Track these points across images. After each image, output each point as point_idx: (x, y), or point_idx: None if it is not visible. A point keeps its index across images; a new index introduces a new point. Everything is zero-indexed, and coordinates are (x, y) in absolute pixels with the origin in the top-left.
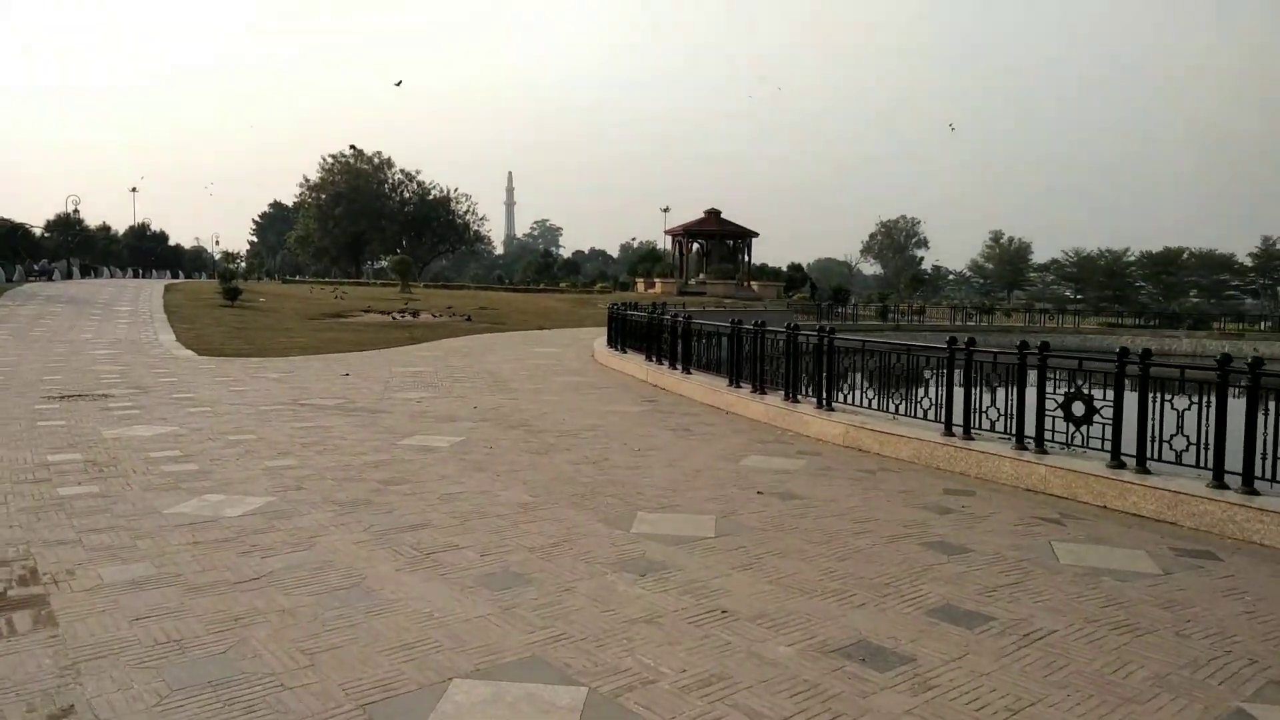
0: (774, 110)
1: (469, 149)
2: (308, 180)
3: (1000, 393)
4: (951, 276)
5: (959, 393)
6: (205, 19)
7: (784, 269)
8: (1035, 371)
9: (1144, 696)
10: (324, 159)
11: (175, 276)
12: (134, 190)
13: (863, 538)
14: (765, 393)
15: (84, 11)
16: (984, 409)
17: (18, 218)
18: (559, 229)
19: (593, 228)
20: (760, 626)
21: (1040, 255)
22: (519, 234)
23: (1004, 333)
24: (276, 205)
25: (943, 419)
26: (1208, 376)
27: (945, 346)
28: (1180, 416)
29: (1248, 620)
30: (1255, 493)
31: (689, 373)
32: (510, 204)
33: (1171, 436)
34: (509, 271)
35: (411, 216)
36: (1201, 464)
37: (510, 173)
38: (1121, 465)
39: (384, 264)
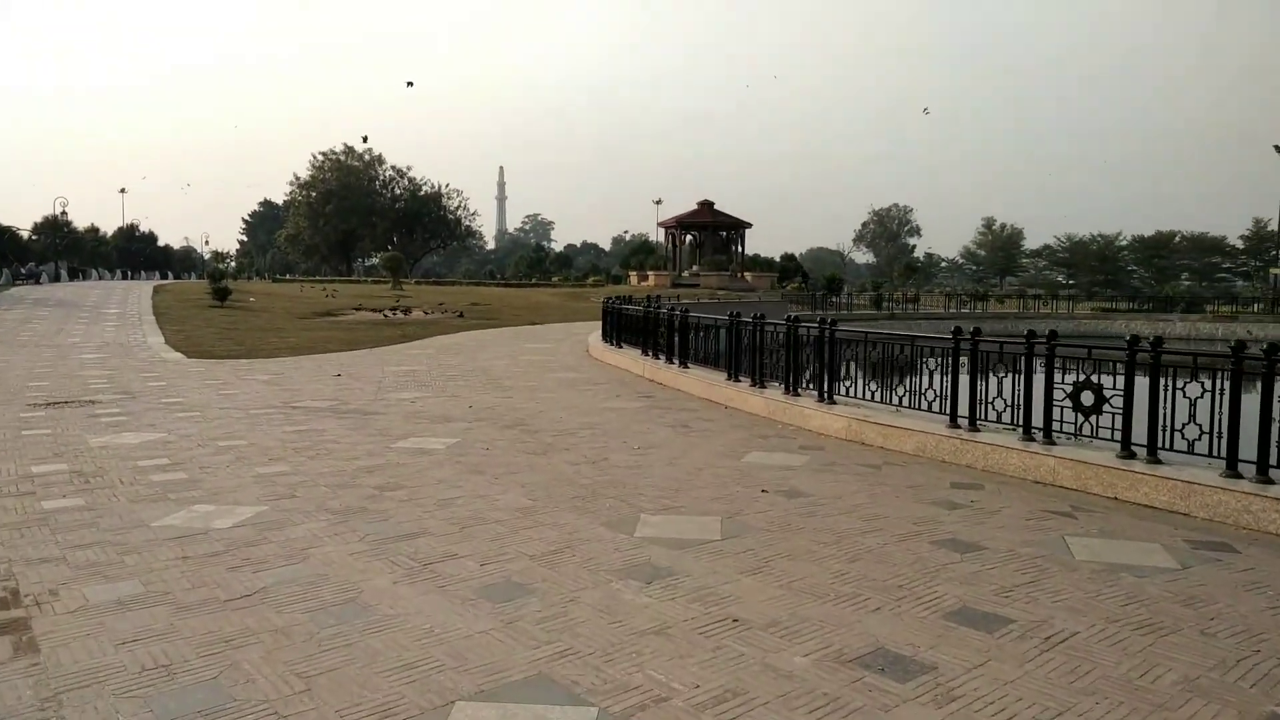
0: (766, 102)
1: (460, 144)
2: (298, 178)
3: (1006, 383)
4: (944, 264)
5: (964, 383)
6: (201, 19)
7: (777, 259)
8: (1041, 360)
9: (1175, 703)
10: (314, 156)
11: (164, 277)
12: (123, 191)
13: (872, 536)
14: (765, 386)
15: (81, 11)
16: (990, 400)
17: (4, 221)
18: (551, 223)
19: (584, 221)
20: (774, 635)
21: (1033, 241)
22: (510, 229)
23: (998, 319)
24: (267, 204)
25: (948, 411)
26: (1221, 364)
27: (950, 337)
28: (1193, 405)
29: (1273, 616)
30: (1270, 482)
31: (686, 367)
32: (501, 199)
33: (1184, 425)
34: (500, 267)
35: (403, 213)
36: (1215, 453)
37: (501, 167)
38: (1132, 455)
39: (375, 261)
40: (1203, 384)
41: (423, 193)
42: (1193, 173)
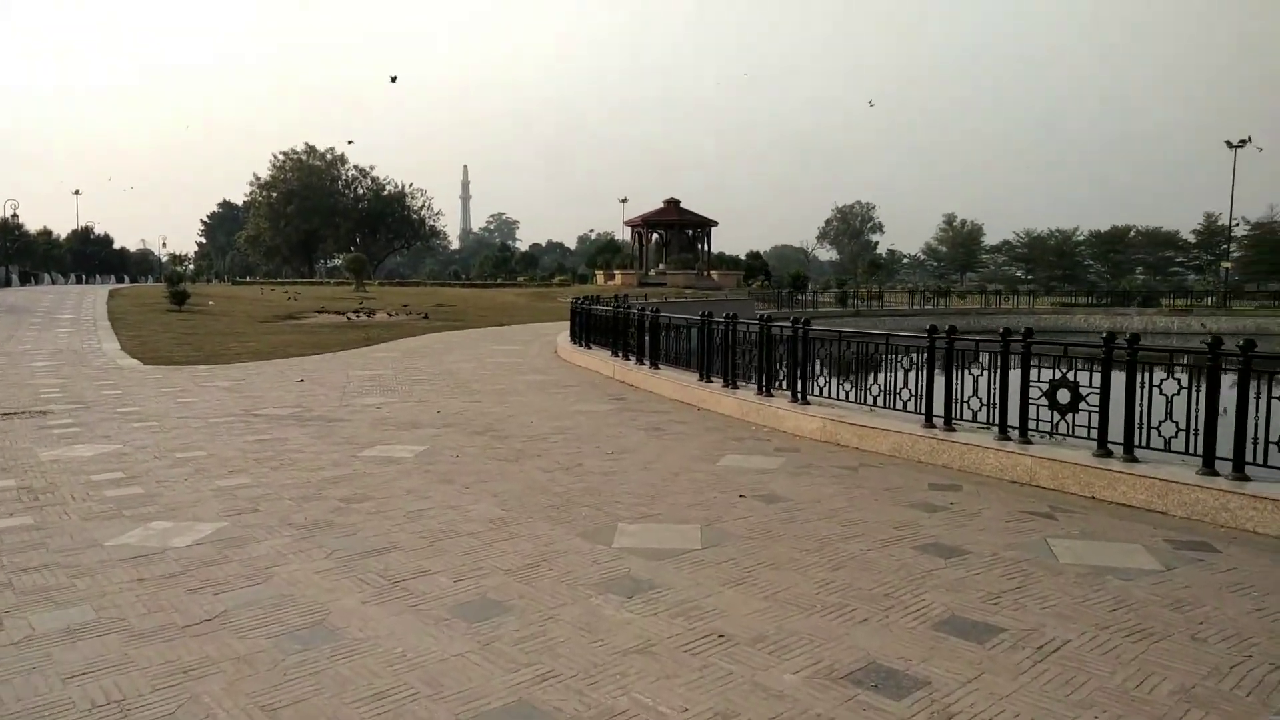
0: (733, 99)
1: (424, 143)
2: (258, 178)
3: (981, 381)
4: (906, 260)
5: (939, 383)
6: (163, 21)
7: (743, 257)
8: (1016, 358)
9: (1173, 714)
10: (275, 156)
11: (121, 281)
12: (77, 193)
13: (854, 542)
14: (738, 387)
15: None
16: (965, 399)
17: None
18: (516, 222)
19: (550, 220)
20: (761, 652)
21: (992, 237)
22: (475, 228)
23: (961, 315)
24: (226, 205)
25: (923, 410)
26: (1197, 361)
27: (924, 335)
28: (1169, 402)
29: (1259, 619)
30: (1246, 479)
31: (657, 368)
32: (466, 198)
33: (1160, 423)
34: (465, 266)
35: (366, 213)
36: (1191, 451)
37: (465, 166)
38: (1108, 454)
39: (338, 262)
40: (1179, 381)
41: (386, 192)
42: (1148, 168)
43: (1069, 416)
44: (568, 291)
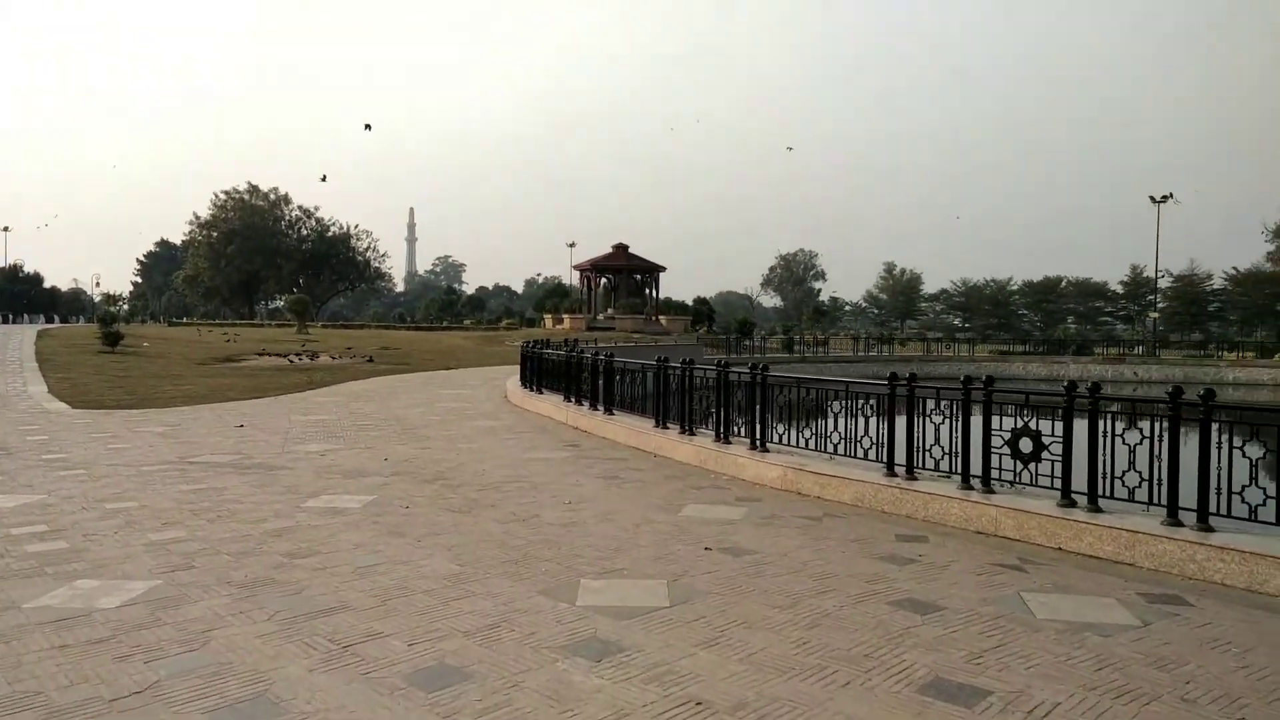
0: (681, 146)
1: (369, 185)
2: (198, 217)
3: (942, 429)
4: (848, 307)
5: (901, 431)
6: (94, 59)
7: (690, 303)
8: (978, 406)
9: None
10: (216, 195)
11: (51, 321)
12: (5, 229)
13: (827, 598)
14: (694, 433)
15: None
16: (927, 447)
17: None
18: (462, 265)
19: (497, 263)
20: None
21: (930, 285)
22: (421, 270)
23: (904, 362)
24: (164, 244)
25: (884, 459)
26: (1159, 411)
27: (884, 382)
28: (1132, 452)
29: (1245, 677)
30: (1210, 529)
31: (612, 413)
32: (411, 240)
33: (1123, 473)
34: (410, 309)
35: (309, 254)
36: (1155, 500)
37: (411, 208)
38: (1072, 504)
39: (280, 304)
40: (1141, 431)
41: (330, 233)
42: (1076, 221)
43: (1032, 466)
44: (515, 335)
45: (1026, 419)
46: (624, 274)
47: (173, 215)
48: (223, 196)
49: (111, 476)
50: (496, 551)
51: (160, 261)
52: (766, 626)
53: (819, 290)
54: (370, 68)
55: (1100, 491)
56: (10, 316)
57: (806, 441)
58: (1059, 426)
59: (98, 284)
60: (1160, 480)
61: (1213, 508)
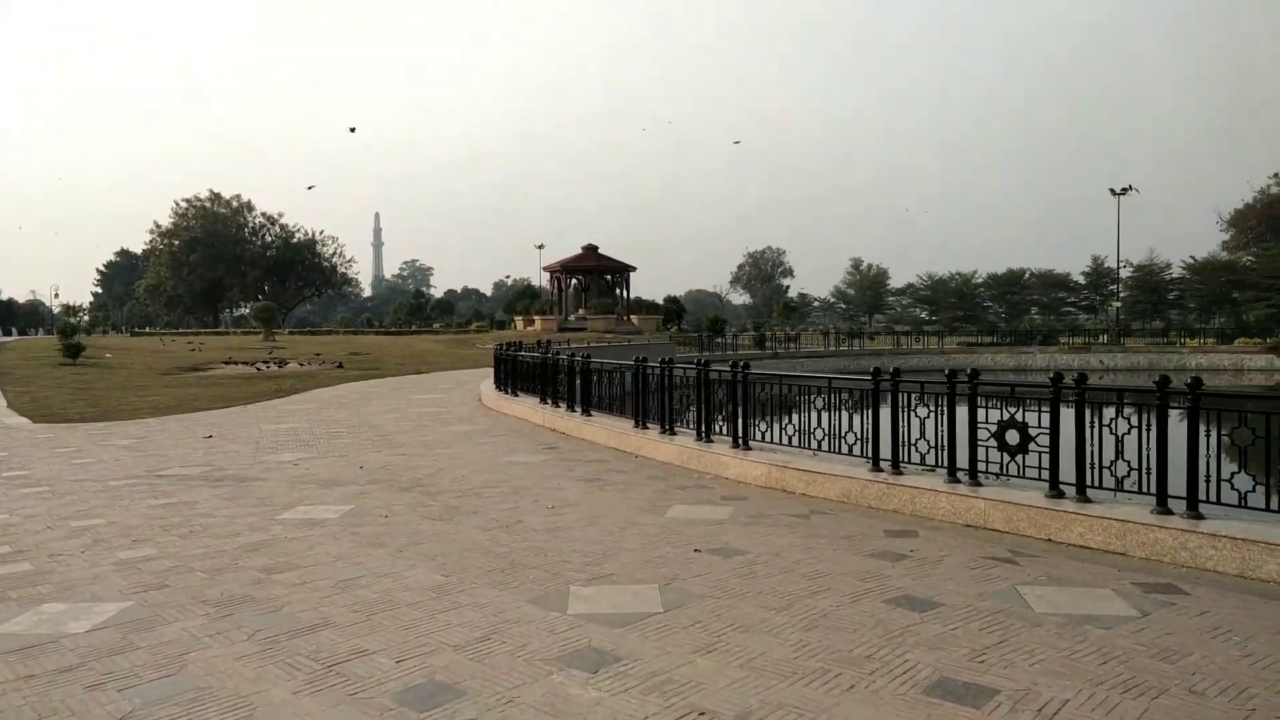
0: (650, 145)
1: (334, 190)
2: (159, 226)
3: (927, 423)
4: (817, 303)
5: (885, 425)
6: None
7: (661, 302)
8: (963, 399)
9: None
10: (177, 203)
11: (8, 334)
12: None
13: (822, 598)
14: (675, 433)
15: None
16: (913, 441)
17: None
18: (429, 269)
19: (465, 267)
20: None
21: (897, 280)
22: (388, 275)
23: (875, 356)
24: (124, 254)
25: (869, 454)
26: (1146, 400)
27: (867, 377)
28: (1120, 441)
29: (1249, 667)
30: (1200, 516)
31: (589, 414)
32: (378, 245)
33: (1111, 463)
34: (378, 314)
35: (274, 261)
36: (1144, 489)
37: (377, 213)
38: (1061, 495)
39: (245, 312)
40: (1128, 420)
41: (295, 240)
42: (1039, 214)
43: (1019, 457)
44: (486, 338)
45: (1012, 411)
46: (594, 275)
47: (138, 223)
48: (184, 204)
49: (77, 493)
50: (481, 560)
51: (121, 271)
52: (764, 629)
53: (787, 287)
54: (330, 69)
55: (1089, 482)
56: None
57: (790, 438)
58: (1045, 418)
59: (56, 295)
60: (1149, 469)
61: (1203, 496)
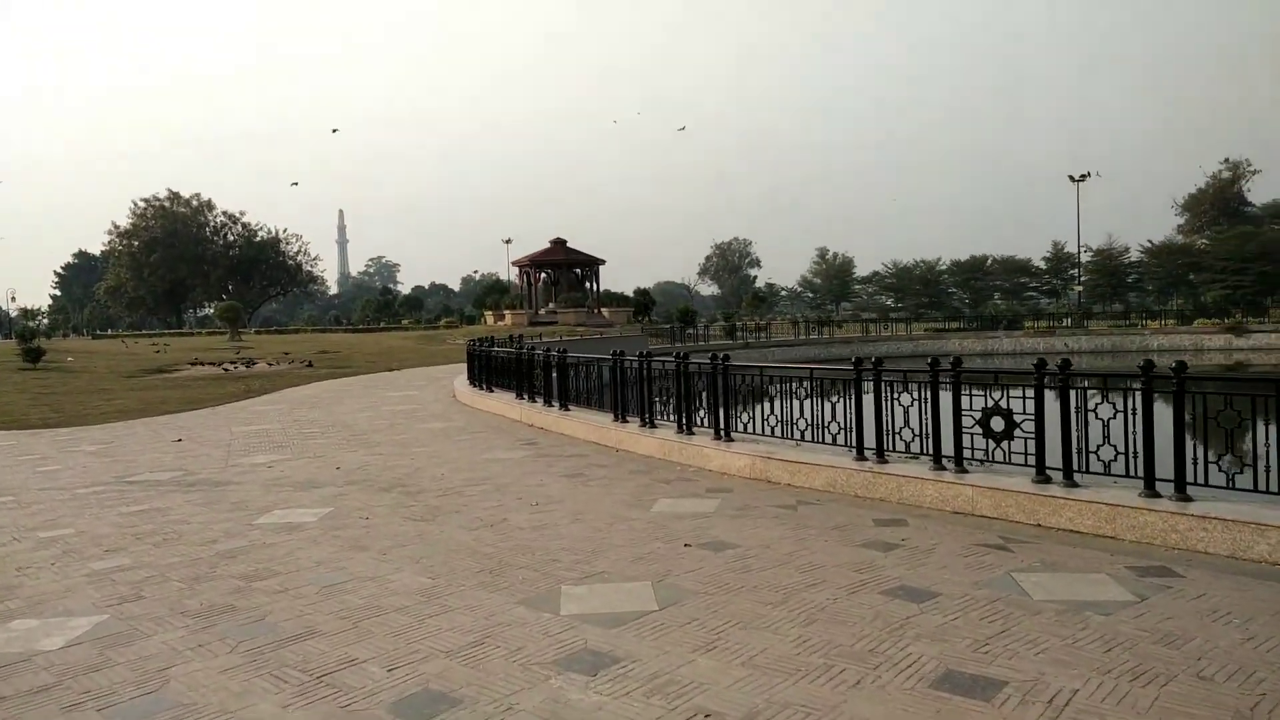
0: (616, 138)
1: (297, 187)
2: (117, 227)
3: (912, 411)
4: (784, 293)
5: (870, 414)
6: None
7: (631, 294)
8: (938, 385)
9: None
10: (135, 203)
11: None
12: None
13: (818, 591)
14: (656, 426)
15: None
16: (897, 429)
17: None
18: (396, 265)
19: (432, 262)
20: None
21: (862, 268)
22: (354, 272)
23: (845, 344)
24: (82, 255)
25: (853, 443)
26: (1130, 384)
27: (852, 367)
28: (1106, 425)
29: (1254, 650)
30: (1189, 499)
31: (567, 409)
32: (343, 242)
33: (1098, 447)
34: (346, 311)
35: (237, 260)
36: (1131, 473)
37: (341, 210)
38: (1048, 480)
39: (210, 312)
40: (1113, 405)
41: (259, 238)
42: (1001, 200)
43: (1005, 444)
44: (456, 333)
45: (997, 397)
46: (564, 268)
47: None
48: (142, 204)
49: (44, 502)
50: (468, 561)
51: (79, 273)
52: (763, 625)
53: (755, 277)
54: (290, 61)
55: (1075, 466)
56: None
57: (772, 429)
58: (1029, 404)
59: (13, 299)
60: (1135, 453)
61: (1190, 478)
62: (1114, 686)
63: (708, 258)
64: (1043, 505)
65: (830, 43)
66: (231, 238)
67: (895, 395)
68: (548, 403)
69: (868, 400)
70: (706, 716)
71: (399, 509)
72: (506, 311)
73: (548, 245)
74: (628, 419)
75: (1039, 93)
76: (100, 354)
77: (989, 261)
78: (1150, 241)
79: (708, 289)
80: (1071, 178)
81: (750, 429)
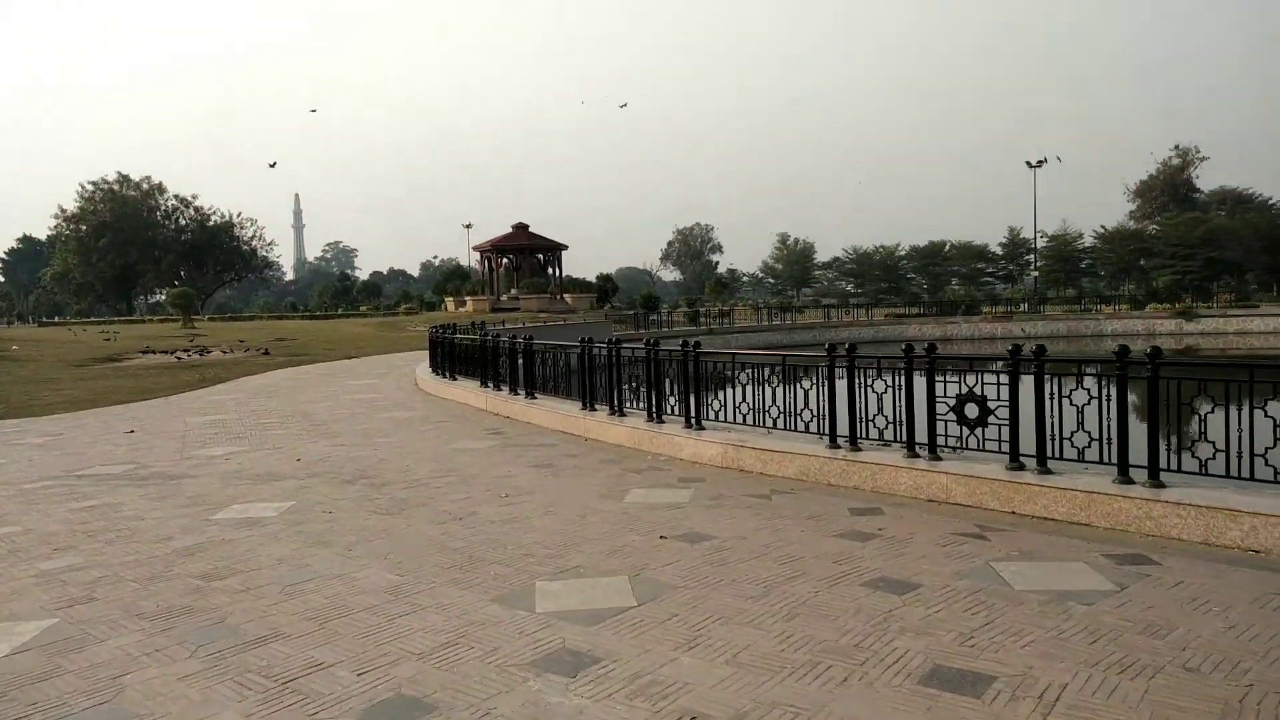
0: (573, 122)
1: (252, 171)
2: (64, 210)
3: (886, 398)
4: (746, 278)
5: (842, 401)
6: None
7: (593, 280)
8: (912, 372)
9: None
10: (83, 186)
11: None
12: None
13: (799, 583)
14: (625, 414)
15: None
16: (870, 417)
17: None
18: (354, 251)
19: (390, 248)
20: None
21: (823, 254)
22: (310, 258)
23: (808, 329)
24: (27, 240)
25: (826, 430)
26: (1105, 370)
27: (825, 354)
28: (1080, 412)
29: (1236, 639)
30: (1162, 485)
31: (534, 397)
32: (299, 227)
33: (1072, 434)
34: (302, 298)
35: (190, 245)
36: (1105, 459)
37: (297, 194)
38: (1021, 467)
39: (162, 298)
40: (1088, 391)
41: (212, 223)
42: (958, 186)
43: (978, 431)
44: (417, 320)
45: (971, 384)
46: (526, 254)
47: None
48: (90, 187)
49: None
50: (437, 556)
51: (24, 259)
52: (744, 620)
53: (717, 263)
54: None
55: (1050, 453)
56: None
57: (744, 417)
58: (1004, 390)
59: None
60: (1110, 439)
61: (1164, 464)
62: (1103, 680)
63: (670, 243)
64: (1018, 493)
65: (787, 27)
66: (184, 222)
67: (869, 382)
68: (514, 391)
69: (841, 387)
70: (693, 718)
71: (364, 502)
72: (468, 298)
73: (510, 230)
74: (596, 407)
75: (997, 73)
76: (47, 342)
77: (947, 247)
78: (1104, 227)
79: (670, 275)
80: (1029, 163)
81: (721, 417)
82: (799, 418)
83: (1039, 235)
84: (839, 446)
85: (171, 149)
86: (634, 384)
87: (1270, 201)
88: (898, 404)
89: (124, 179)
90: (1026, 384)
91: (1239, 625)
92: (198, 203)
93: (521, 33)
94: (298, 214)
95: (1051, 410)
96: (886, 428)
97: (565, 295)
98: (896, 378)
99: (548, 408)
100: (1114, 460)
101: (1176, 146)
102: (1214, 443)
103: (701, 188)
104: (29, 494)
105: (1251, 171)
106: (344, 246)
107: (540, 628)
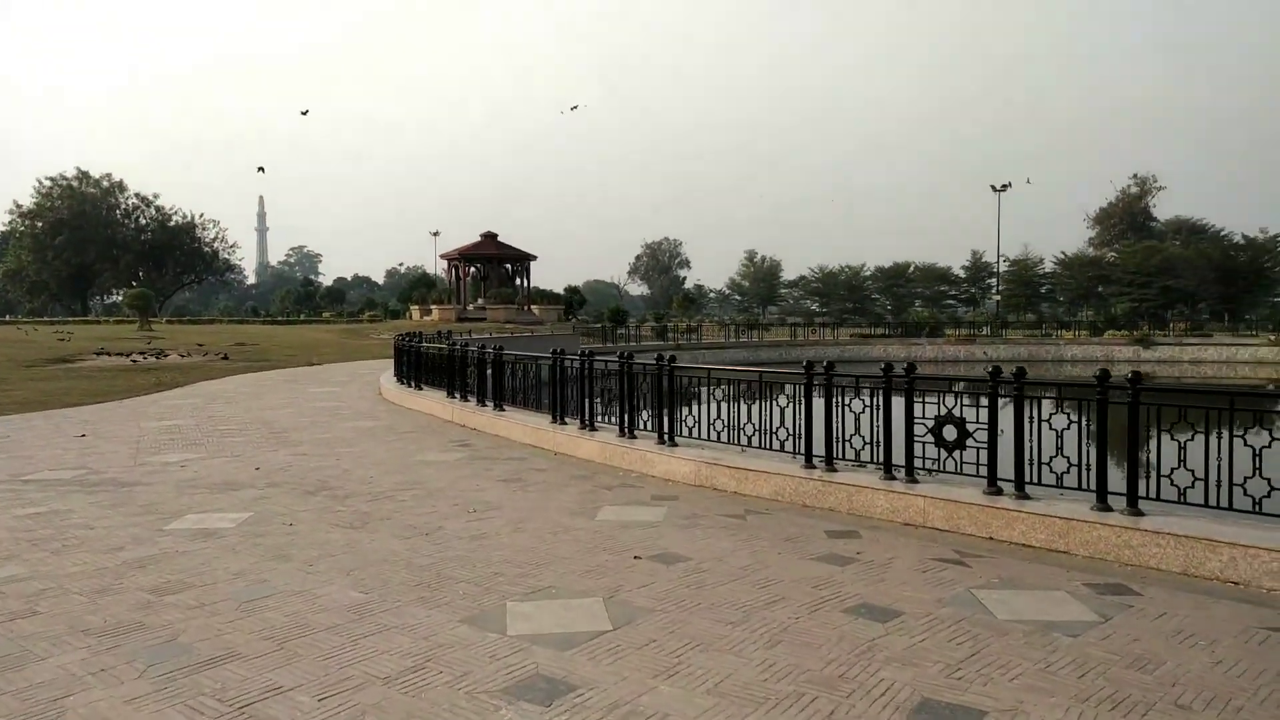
0: (548, 133)
1: (215, 173)
2: (19, 206)
3: (863, 418)
4: (713, 295)
5: (819, 420)
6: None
7: (561, 292)
8: (890, 393)
9: None
10: (40, 182)
11: None
12: None
13: (779, 608)
14: (596, 428)
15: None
16: (847, 437)
17: None
18: (318, 255)
19: (355, 253)
20: None
21: (789, 272)
22: (274, 262)
23: (774, 347)
24: None
25: (802, 450)
26: (1085, 395)
27: (802, 372)
28: (1059, 437)
29: (1224, 675)
30: (1140, 513)
31: (502, 409)
32: (262, 230)
33: (1050, 459)
34: (264, 302)
35: (150, 245)
36: (1084, 486)
37: (261, 197)
38: (999, 492)
39: (118, 299)
40: (1068, 415)
41: (173, 223)
42: (924, 207)
43: (956, 454)
44: (382, 328)
45: (949, 406)
46: (494, 263)
47: None
48: (48, 183)
49: None
50: (403, 574)
51: None
52: (724, 647)
53: (684, 278)
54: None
55: (1028, 478)
56: None
57: (718, 434)
58: (983, 413)
59: None
60: (1089, 465)
61: (1143, 492)
62: (1095, 716)
63: (638, 257)
64: (995, 518)
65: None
66: (144, 221)
67: (846, 401)
68: (481, 402)
69: (817, 405)
70: None
71: (326, 514)
72: (434, 306)
73: (478, 239)
74: (566, 420)
75: (959, 99)
76: None
77: (911, 269)
78: (1064, 253)
79: (637, 289)
80: (993, 187)
81: (695, 433)
82: (774, 436)
83: (1001, 259)
84: (815, 466)
85: (138, 150)
86: (605, 398)
87: (1222, 232)
88: (875, 424)
89: (83, 175)
90: (1004, 406)
91: (1226, 661)
92: (159, 202)
93: (494, 39)
94: (261, 217)
95: (1030, 434)
96: (863, 448)
97: (533, 306)
98: (874, 397)
99: (517, 420)
100: (1093, 486)
101: (1135, 175)
102: (1193, 471)
103: (669, 203)
104: None
105: (1203, 203)
106: (308, 251)
107: (512, 651)
